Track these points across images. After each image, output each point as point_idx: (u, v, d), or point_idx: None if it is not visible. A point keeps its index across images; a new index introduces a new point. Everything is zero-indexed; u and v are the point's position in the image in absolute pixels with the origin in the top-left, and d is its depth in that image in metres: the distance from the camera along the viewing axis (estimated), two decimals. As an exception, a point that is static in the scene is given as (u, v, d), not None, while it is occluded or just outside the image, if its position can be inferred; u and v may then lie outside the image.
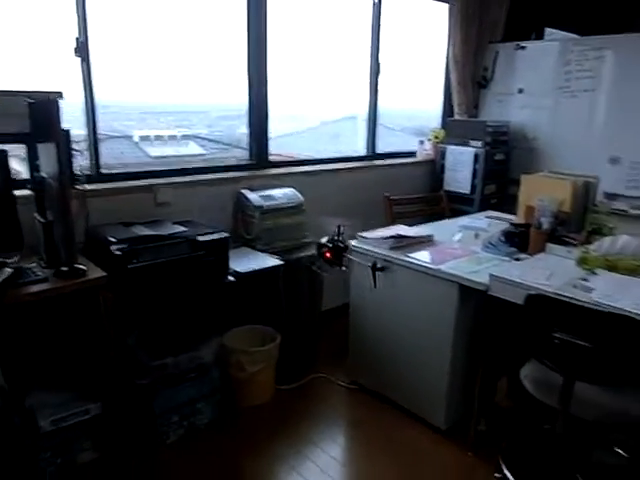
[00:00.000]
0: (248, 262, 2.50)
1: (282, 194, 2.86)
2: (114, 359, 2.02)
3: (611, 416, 1.67)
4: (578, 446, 1.96)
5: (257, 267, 2.44)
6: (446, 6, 3.81)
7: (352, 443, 2.34)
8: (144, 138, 3.75)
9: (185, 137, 3.99)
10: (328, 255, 2.59)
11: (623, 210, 3.34)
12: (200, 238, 2.23)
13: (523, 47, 3.84)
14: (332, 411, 2.52)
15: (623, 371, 1.59)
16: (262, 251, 2.69)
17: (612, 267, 2.00)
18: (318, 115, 4.73)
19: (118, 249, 2.04)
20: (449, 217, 3.29)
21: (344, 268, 2.58)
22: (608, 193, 3.42)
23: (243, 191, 2.81)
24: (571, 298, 1.72)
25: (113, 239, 2.09)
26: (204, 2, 2.88)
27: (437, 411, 2.31)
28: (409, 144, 4.06)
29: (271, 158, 3.18)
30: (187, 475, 2.06)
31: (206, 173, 2.84)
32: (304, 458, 2.18)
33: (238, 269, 2.39)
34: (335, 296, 3.08)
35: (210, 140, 4.04)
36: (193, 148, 4.05)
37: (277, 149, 3.42)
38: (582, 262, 2.07)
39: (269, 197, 2.79)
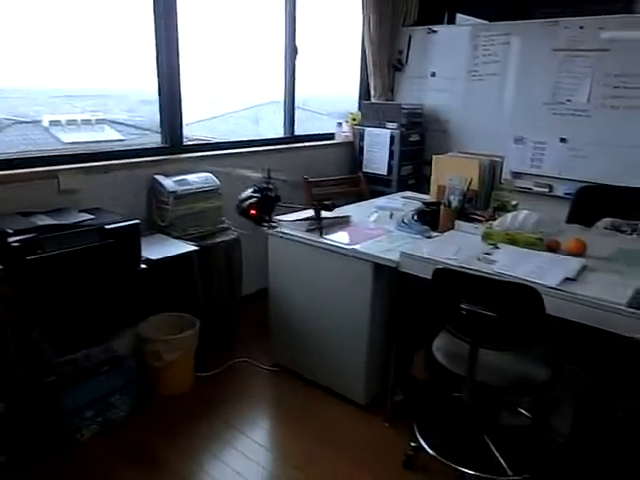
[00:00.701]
0: (162, 249, 2.42)
1: (197, 178, 2.78)
2: (15, 356, 1.89)
3: (513, 380, 1.79)
4: (485, 410, 2.08)
5: (171, 254, 2.37)
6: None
7: (275, 425, 2.35)
8: (54, 123, 3.50)
9: (101, 122, 3.77)
10: (254, 212, 2.20)
11: (528, 188, 3.56)
12: (108, 226, 2.13)
13: (435, 31, 3.94)
14: (254, 395, 2.51)
15: (522, 336, 1.70)
16: (177, 238, 2.61)
17: (513, 241, 2.12)
18: (241, 100, 4.64)
19: (15, 241, 1.90)
20: (368, 199, 3.35)
21: (274, 225, 2.19)
22: (514, 172, 3.62)
23: (157, 177, 2.71)
24: (475, 270, 1.80)
25: (9, 230, 1.94)
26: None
27: (357, 387, 2.36)
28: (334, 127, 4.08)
29: (190, 142, 3.08)
30: (102, 471, 1.98)
31: (117, 158, 2.70)
32: (226, 444, 2.16)
33: (151, 256, 2.31)
34: (256, 280, 3.06)
35: (128, 125, 3.86)
36: (110, 133, 3.84)
37: (198, 133, 3.33)
38: (487, 237, 2.18)
39: (183, 182, 2.71)
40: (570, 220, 2.87)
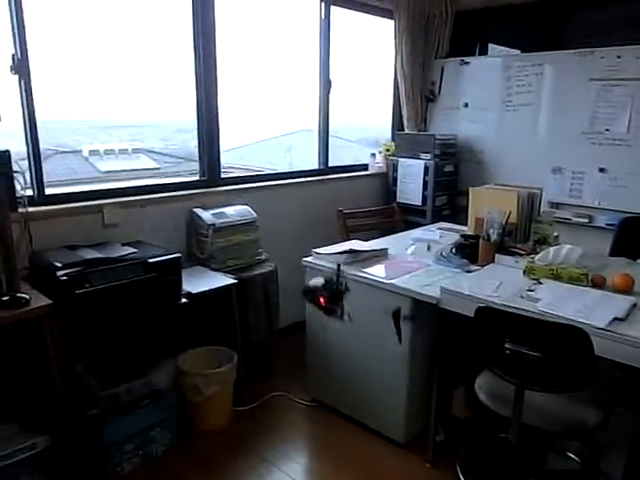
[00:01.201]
0: (201, 282, 2.46)
1: (235, 211, 2.83)
2: (61, 389, 1.93)
3: (562, 423, 1.73)
4: (532, 453, 2.01)
5: (210, 287, 2.40)
6: (392, 22, 3.89)
7: (312, 461, 2.32)
8: (93, 152, 3.63)
9: (137, 151, 3.90)
10: (323, 301, 2.41)
11: (567, 218, 3.49)
12: (151, 259, 2.18)
13: (467, 62, 3.97)
14: (291, 430, 2.49)
15: (570, 378, 1.65)
16: (216, 270, 2.65)
17: (557, 276, 2.08)
18: (274, 128, 4.74)
19: (64, 274, 1.96)
20: (403, 229, 3.34)
21: (346, 318, 2.36)
22: (553, 202, 3.57)
23: (195, 209, 2.76)
24: (518, 309, 1.77)
25: (58, 264, 2.01)
26: (151, 16, 2.85)
27: (396, 425, 2.32)
28: (365, 155, 4.11)
29: (224, 171, 3.15)
30: (142, 507, 1.99)
31: (157, 192, 2.77)
32: (260, 478, 2.14)
33: (191, 290, 2.34)
34: (293, 312, 3.06)
35: (164, 154, 3.97)
36: (145, 162, 3.96)
37: (230, 160, 3.41)
38: (529, 272, 2.14)
39: (222, 214, 2.76)
40: (614, 252, 2.80)
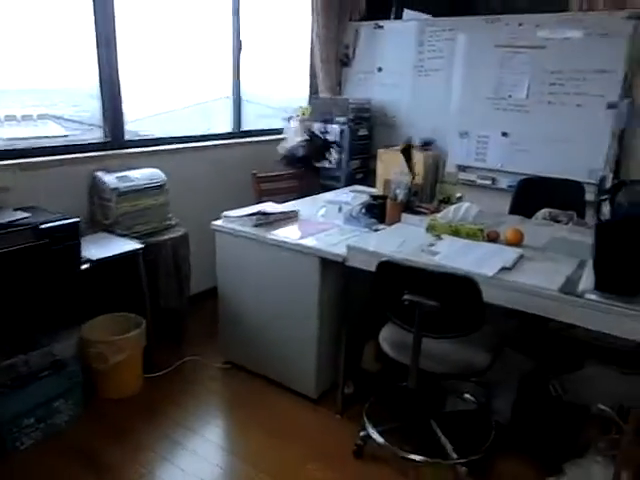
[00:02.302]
0: (105, 248, 2.35)
1: (141, 175, 2.71)
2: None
3: (455, 366, 1.84)
4: (431, 397, 2.14)
5: (114, 252, 2.30)
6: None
7: (228, 422, 2.34)
8: None
9: (43, 117, 3.61)
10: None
11: (472, 180, 3.65)
12: (43, 225, 2.04)
13: (381, 26, 3.98)
14: (206, 393, 2.49)
15: (462, 324, 1.75)
16: (122, 236, 2.54)
17: (456, 232, 2.18)
18: (193, 94, 4.54)
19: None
20: (317, 193, 3.36)
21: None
22: (460, 165, 3.71)
23: (98, 173, 2.62)
24: (418, 262, 1.85)
25: (-64, 230, 1.84)
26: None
27: (308, 381, 2.37)
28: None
29: (140, 137, 3.01)
30: (44, 478, 1.92)
31: (56, 154, 2.59)
32: (177, 445, 2.12)
33: (93, 256, 2.24)
34: (206, 278, 3.01)
35: (73, 121, 3.71)
36: (53, 129, 3.68)
37: (147, 129, 3.25)
38: (431, 229, 2.23)
39: (126, 178, 2.63)
40: (512, 211, 2.98)
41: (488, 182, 3.61)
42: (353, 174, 3.82)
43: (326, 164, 2.24)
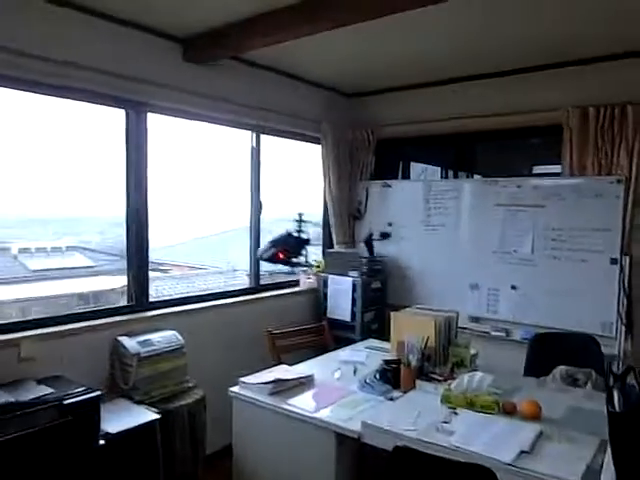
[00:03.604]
0: (122, 418, 2.38)
1: (162, 338, 2.81)
2: None
3: None
4: None
5: (131, 425, 2.32)
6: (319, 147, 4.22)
7: None
8: (23, 250, 3.49)
9: (71, 249, 3.80)
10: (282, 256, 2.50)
11: (486, 332, 3.69)
12: (67, 401, 2.10)
13: (389, 185, 4.31)
14: None
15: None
16: (140, 402, 2.58)
17: (471, 404, 2.17)
18: (215, 226, 4.84)
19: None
20: (333, 347, 3.40)
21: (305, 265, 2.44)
22: (472, 317, 3.78)
23: (120, 338, 2.73)
24: (433, 444, 1.83)
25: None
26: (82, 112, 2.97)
27: None
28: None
29: (162, 267, 3.18)
30: None
31: (81, 321, 2.73)
32: None
33: (110, 429, 2.25)
34: (220, 436, 2.96)
35: (99, 252, 3.90)
36: (79, 259, 3.85)
37: (174, 257, 3.44)
38: (445, 400, 2.23)
39: (147, 342, 2.73)
40: (527, 368, 2.97)
41: (502, 334, 3.64)
42: (368, 325, 3.89)
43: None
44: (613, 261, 3.27)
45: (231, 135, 3.78)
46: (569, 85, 3.46)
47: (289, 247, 2.57)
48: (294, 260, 2.79)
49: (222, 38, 2.96)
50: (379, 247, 4.21)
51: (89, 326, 2.71)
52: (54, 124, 2.94)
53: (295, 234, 2.83)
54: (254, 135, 3.81)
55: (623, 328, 3.24)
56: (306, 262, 2.99)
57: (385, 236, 3.83)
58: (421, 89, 4.07)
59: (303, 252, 2.86)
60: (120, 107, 2.93)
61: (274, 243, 2.94)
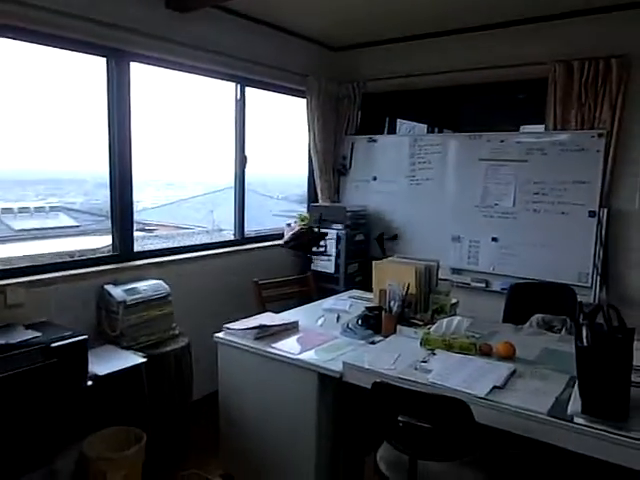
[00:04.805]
0: (110, 362, 2.43)
1: (148, 286, 2.85)
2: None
3: (453, 488, 1.85)
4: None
5: (118, 367, 2.37)
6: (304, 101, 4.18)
7: None
8: (6, 210, 3.50)
9: (55, 209, 3.78)
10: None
11: (467, 283, 3.78)
12: (54, 344, 2.14)
13: (375, 140, 4.30)
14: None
15: (457, 446, 1.78)
16: (127, 348, 2.63)
17: (449, 346, 2.26)
18: (200, 183, 4.84)
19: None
20: (317, 298, 3.46)
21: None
22: (453, 268, 3.86)
23: (106, 287, 2.75)
24: (410, 382, 1.91)
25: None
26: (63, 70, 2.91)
27: (307, 498, 2.34)
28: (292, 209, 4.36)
29: (149, 228, 3.19)
30: None
31: (65, 269, 2.74)
32: None
33: (98, 371, 2.31)
34: (208, 383, 3.04)
35: (83, 212, 3.89)
36: (63, 220, 3.84)
37: (160, 218, 3.45)
38: (425, 343, 2.31)
39: (134, 290, 2.77)
40: (506, 317, 3.06)
41: (482, 285, 3.73)
42: (352, 277, 3.96)
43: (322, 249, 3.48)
44: (591, 214, 3.34)
45: (216, 87, 3.72)
46: (555, 39, 3.44)
47: (310, 238, 3.50)
48: (314, 250, 3.64)
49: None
50: (361, 199, 4.25)
51: (75, 274, 2.73)
52: (32, 76, 2.86)
53: (315, 229, 3.65)
54: (239, 87, 3.76)
55: (599, 278, 3.34)
56: (325, 251, 3.81)
57: (395, 237, 4.13)
58: (407, 42, 4.03)
59: (322, 243, 3.72)
60: (101, 55, 2.86)
61: (295, 235, 3.70)
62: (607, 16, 3.24)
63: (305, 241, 3.67)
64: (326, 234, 3.72)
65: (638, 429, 1.56)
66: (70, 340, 2.20)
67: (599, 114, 3.30)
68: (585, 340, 1.67)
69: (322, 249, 3.68)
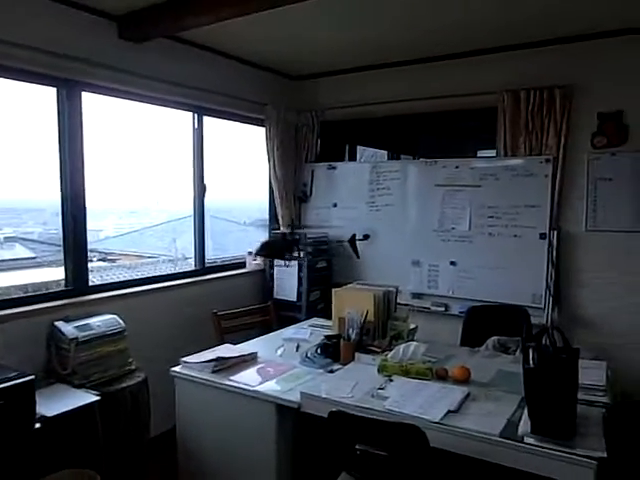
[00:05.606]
0: (60, 402, 2.34)
1: (101, 322, 2.76)
2: None
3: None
4: None
5: (68, 408, 2.29)
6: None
7: None
8: None
9: (10, 240, 3.66)
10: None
11: (427, 307, 3.83)
12: (-1, 386, 2.05)
13: (334, 167, 4.36)
14: None
15: (413, 473, 1.78)
16: (79, 386, 2.54)
17: (406, 372, 2.27)
18: (164, 211, 4.78)
19: None
20: (279, 327, 3.44)
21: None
22: (414, 293, 3.91)
23: (56, 323, 2.67)
24: (368, 409, 1.91)
25: None
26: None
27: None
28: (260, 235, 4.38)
29: (112, 258, 3.12)
30: None
31: (17, 307, 2.65)
32: None
33: (47, 412, 2.22)
34: (165, 419, 2.96)
35: (41, 242, 3.77)
36: (19, 251, 3.71)
37: (123, 247, 3.38)
38: (382, 370, 2.32)
39: (86, 327, 2.68)
40: (463, 339, 3.11)
41: (441, 309, 3.78)
42: (314, 305, 3.95)
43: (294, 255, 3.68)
44: (542, 236, 3.45)
45: (173, 116, 3.73)
46: (505, 69, 3.59)
47: (282, 246, 3.68)
48: (287, 255, 3.74)
49: (157, 16, 2.91)
50: (323, 226, 4.29)
51: (25, 312, 2.64)
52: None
53: (288, 237, 3.85)
54: (196, 116, 3.77)
55: (551, 299, 3.44)
56: (298, 255, 3.89)
57: (366, 237, 4.14)
58: (362, 72, 4.13)
59: (295, 248, 3.83)
60: (50, 85, 2.83)
61: (266, 244, 3.86)
62: (552, 48, 3.41)
63: (277, 247, 3.80)
64: (299, 240, 3.85)
65: (584, 446, 1.60)
66: (15, 381, 2.11)
67: (545, 140, 3.45)
68: (532, 362, 1.71)
69: (296, 254, 3.80)
